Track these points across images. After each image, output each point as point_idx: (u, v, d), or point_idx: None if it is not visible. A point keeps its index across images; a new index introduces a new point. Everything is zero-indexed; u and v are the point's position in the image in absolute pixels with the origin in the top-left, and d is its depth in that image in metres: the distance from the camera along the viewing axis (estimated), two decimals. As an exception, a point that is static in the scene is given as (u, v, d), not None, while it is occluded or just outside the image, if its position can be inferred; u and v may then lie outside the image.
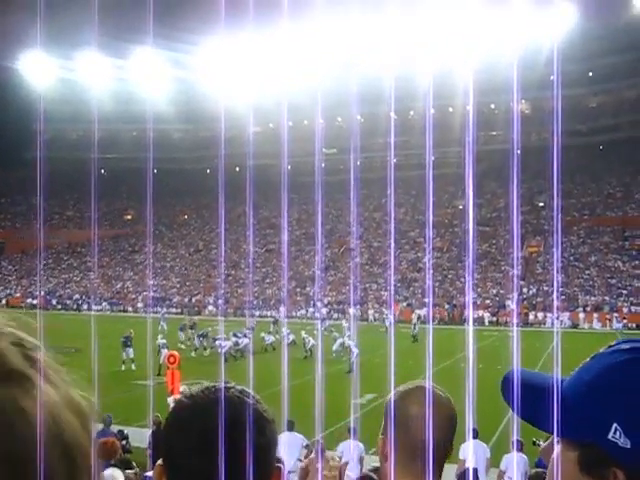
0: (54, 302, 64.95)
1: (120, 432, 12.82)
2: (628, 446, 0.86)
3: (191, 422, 1.10)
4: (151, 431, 11.62)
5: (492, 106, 71.81)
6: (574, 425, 0.92)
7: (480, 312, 49.72)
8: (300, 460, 10.93)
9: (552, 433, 0.96)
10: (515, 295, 52.72)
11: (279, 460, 1.28)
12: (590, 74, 64.24)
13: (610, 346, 0.97)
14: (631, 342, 0.95)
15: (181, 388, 12.29)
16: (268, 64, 68.37)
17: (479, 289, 55.09)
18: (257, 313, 53.40)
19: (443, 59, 63.07)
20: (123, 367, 25.96)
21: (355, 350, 28.25)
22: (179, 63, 69.74)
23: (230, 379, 1.24)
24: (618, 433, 0.87)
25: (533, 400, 0.98)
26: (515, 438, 10.11)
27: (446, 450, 1.65)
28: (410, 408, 1.62)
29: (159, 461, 1.16)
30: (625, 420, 0.87)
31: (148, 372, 20.76)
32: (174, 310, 58.85)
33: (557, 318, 47.79)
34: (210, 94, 70.77)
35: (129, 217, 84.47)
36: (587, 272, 54.70)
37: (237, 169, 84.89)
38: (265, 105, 70.01)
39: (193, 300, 60.46)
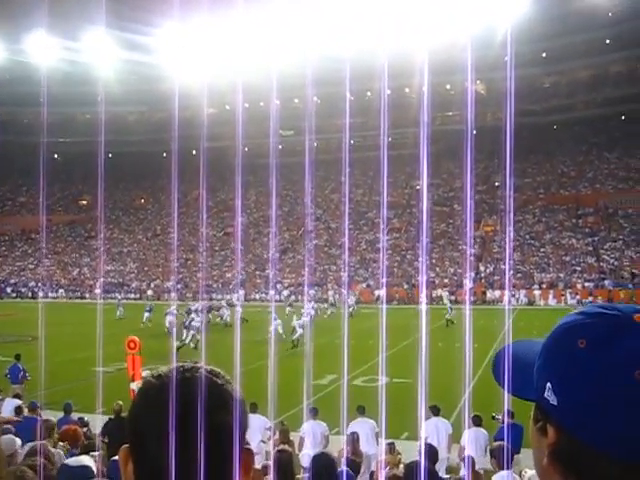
0: (9, 290, 63.82)
1: (81, 419, 12.67)
2: (556, 403, 0.94)
3: (159, 403, 1.07)
4: (108, 418, 11.48)
5: (448, 87, 72.24)
6: (525, 384, 1.02)
7: (439, 291, 50.28)
8: (263, 442, 10.94)
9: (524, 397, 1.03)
10: (472, 274, 53.45)
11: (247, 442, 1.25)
12: (544, 55, 64.94)
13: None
14: (594, 307, 1.00)
15: (143, 374, 12.18)
16: (223, 45, 67.54)
17: (437, 268, 55.67)
18: (218, 297, 53.13)
19: (399, 40, 63.13)
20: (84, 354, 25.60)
21: (299, 330, 29.01)
22: (133, 44, 68.36)
23: (194, 360, 1.22)
24: (550, 391, 0.95)
25: (514, 372, 1.06)
26: (473, 414, 10.27)
27: None
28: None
29: (124, 445, 1.13)
30: (554, 379, 0.95)
31: (109, 359, 20.52)
32: (132, 296, 58.30)
33: (513, 296, 48.61)
34: (165, 75, 69.68)
35: (84, 202, 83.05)
36: (542, 250, 55.65)
37: (193, 152, 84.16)
38: (220, 86, 69.26)
39: (152, 285, 59.85)
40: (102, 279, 62.48)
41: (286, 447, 9.51)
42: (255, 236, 67.88)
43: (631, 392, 0.88)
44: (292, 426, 11.15)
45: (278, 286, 55.21)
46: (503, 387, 1.08)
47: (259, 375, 20.20)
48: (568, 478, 0.94)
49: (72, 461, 6.41)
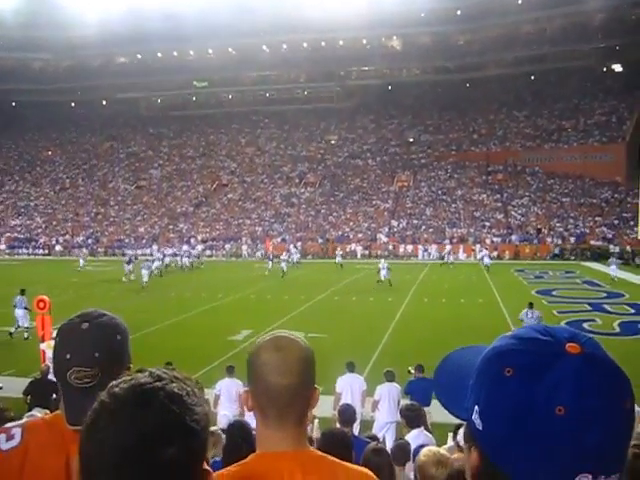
0: None
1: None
2: (481, 428, 0.94)
3: (108, 433, 1.01)
4: (34, 378, 11.12)
5: (364, 41, 72.07)
6: (458, 401, 1.03)
7: (353, 246, 50.84)
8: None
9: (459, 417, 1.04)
10: (386, 229, 54.24)
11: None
12: (458, 12, 65.51)
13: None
14: (529, 329, 0.99)
15: (53, 334, 11.88)
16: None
17: (351, 223, 56.19)
18: (130, 252, 52.11)
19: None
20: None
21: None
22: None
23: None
24: (477, 415, 0.95)
25: (451, 385, 1.08)
26: (386, 369, 10.47)
27: (303, 395, 1.61)
28: (261, 356, 1.60)
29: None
30: (481, 404, 0.95)
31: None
32: (40, 251, 56.50)
33: (425, 250, 49.68)
34: (73, 20, 66.52)
35: (-14, 153, 79.26)
36: (453, 206, 56.94)
37: (104, 102, 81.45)
38: (132, 34, 66.82)
39: (60, 240, 58.00)
40: (8, 234, 60.23)
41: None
42: (168, 190, 66.62)
43: (551, 428, 0.87)
44: (207, 384, 11.12)
45: (192, 240, 54.56)
46: (438, 399, 1.08)
47: (175, 331, 20.07)
48: None
49: None
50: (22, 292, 19.54)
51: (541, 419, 0.87)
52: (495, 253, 47.07)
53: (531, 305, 16.90)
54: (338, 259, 42.84)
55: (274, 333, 1.67)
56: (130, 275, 34.91)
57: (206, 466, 1.11)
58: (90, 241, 57.67)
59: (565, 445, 0.87)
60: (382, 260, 34.23)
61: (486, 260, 40.14)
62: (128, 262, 36.31)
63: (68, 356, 1.78)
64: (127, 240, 57.41)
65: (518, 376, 0.91)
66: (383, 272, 31.51)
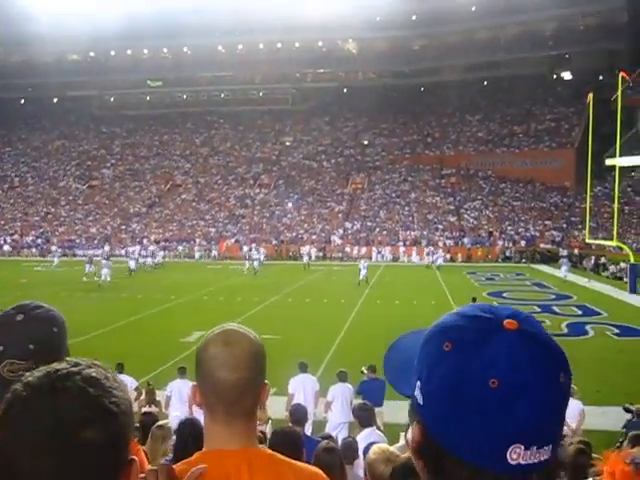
0: None
1: None
2: (421, 403, 0.98)
3: (23, 420, 0.99)
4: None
5: (320, 44, 72.26)
6: (404, 379, 1.05)
7: (307, 247, 50.89)
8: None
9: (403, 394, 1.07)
10: (340, 231, 54.40)
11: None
12: (414, 18, 66.11)
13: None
14: (473, 307, 1.02)
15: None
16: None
17: (306, 225, 56.21)
18: (80, 252, 51.25)
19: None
20: None
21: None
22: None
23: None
24: (418, 390, 0.99)
25: (399, 366, 1.10)
26: (339, 370, 10.50)
27: (253, 390, 1.58)
28: (209, 350, 1.56)
29: None
30: (422, 379, 0.98)
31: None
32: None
33: (379, 253, 49.97)
34: (24, 15, 65.10)
35: None
36: (407, 208, 57.40)
37: (55, 100, 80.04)
38: (85, 31, 65.68)
39: (8, 240, 56.67)
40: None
41: (152, 409, 9.40)
42: (121, 190, 65.70)
43: (484, 400, 0.90)
44: (159, 386, 11.01)
45: (145, 241, 53.90)
46: (388, 380, 1.12)
47: (126, 333, 19.81)
48: (429, 473, 0.98)
49: None
50: None
51: (475, 392, 0.90)
52: (448, 255, 47.69)
53: (474, 300, 17.15)
54: (305, 259, 44.28)
55: (223, 326, 1.64)
56: (93, 275, 34.54)
57: (132, 455, 1.10)
58: (40, 241, 56.53)
59: (498, 417, 0.89)
60: (362, 260, 34.67)
61: (439, 261, 40.83)
62: (89, 262, 36.22)
63: (1, 348, 1.72)
64: (78, 240, 56.43)
65: (456, 350, 0.94)
66: (363, 272, 31.94)
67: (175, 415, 9.37)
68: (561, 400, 0.94)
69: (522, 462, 0.90)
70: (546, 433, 0.92)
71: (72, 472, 0.99)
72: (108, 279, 32.07)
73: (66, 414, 0.99)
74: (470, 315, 0.99)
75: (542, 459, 0.91)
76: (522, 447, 0.90)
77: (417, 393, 0.99)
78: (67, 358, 1.10)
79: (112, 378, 1.09)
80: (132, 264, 38.90)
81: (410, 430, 1.03)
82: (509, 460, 0.90)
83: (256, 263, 38.85)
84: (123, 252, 47.81)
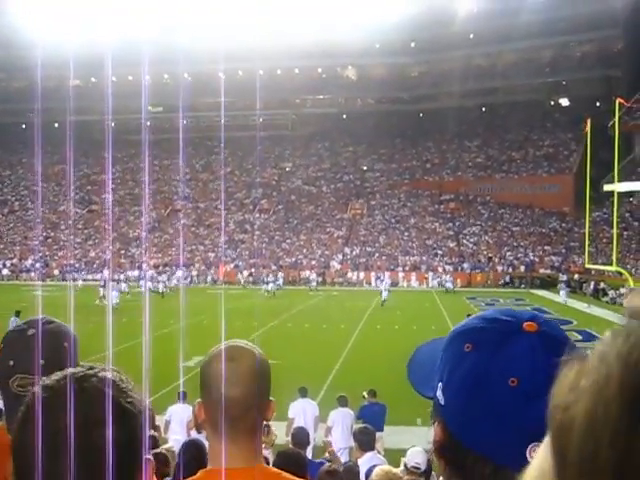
0: None
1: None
2: (443, 403, 1.01)
3: (42, 421, 1.00)
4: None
5: (320, 70, 72.82)
6: (426, 382, 1.08)
7: (306, 272, 50.84)
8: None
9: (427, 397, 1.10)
10: (339, 256, 54.42)
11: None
12: (412, 45, 66.69)
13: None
14: (493, 312, 1.05)
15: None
16: (92, 12, 64.50)
17: (305, 250, 56.23)
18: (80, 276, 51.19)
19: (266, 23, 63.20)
20: None
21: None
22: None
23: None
24: (440, 391, 1.01)
25: (421, 370, 1.13)
26: (339, 395, 10.47)
27: (257, 407, 1.58)
28: (213, 366, 1.56)
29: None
30: (444, 380, 1.01)
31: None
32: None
33: (378, 278, 49.95)
34: (27, 40, 65.60)
35: None
36: (406, 234, 57.47)
37: (56, 125, 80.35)
38: (87, 57, 66.07)
39: (7, 264, 56.59)
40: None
41: (152, 432, 9.35)
42: (121, 214, 65.81)
43: (503, 398, 0.92)
44: (158, 411, 10.96)
45: (144, 266, 53.87)
46: (411, 383, 1.14)
47: (128, 356, 19.70)
48: (451, 473, 1.00)
49: None
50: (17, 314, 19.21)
51: (495, 391, 0.93)
52: (450, 277, 47.75)
53: (468, 316, 17.08)
54: (314, 284, 45.30)
55: (228, 342, 1.64)
56: (104, 299, 34.90)
57: (149, 455, 1.11)
58: (39, 265, 56.49)
59: (517, 416, 0.91)
60: (384, 282, 35.14)
61: (448, 285, 41.30)
62: (103, 285, 36.92)
63: (12, 363, 1.73)
64: (77, 265, 56.39)
65: (476, 351, 0.97)
66: (385, 294, 32.18)
67: (175, 439, 9.34)
68: None
69: None
70: None
71: (91, 472, 1.00)
72: (116, 301, 32.50)
73: (84, 414, 1.01)
74: (490, 318, 1.01)
75: None
76: None
77: (439, 394, 1.02)
78: (81, 363, 1.12)
79: (126, 380, 1.11)
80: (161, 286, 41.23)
81: (432, 430, 1.05)
82: (529, 458, 0.89)
83: (271, 286, 40.68)
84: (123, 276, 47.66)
